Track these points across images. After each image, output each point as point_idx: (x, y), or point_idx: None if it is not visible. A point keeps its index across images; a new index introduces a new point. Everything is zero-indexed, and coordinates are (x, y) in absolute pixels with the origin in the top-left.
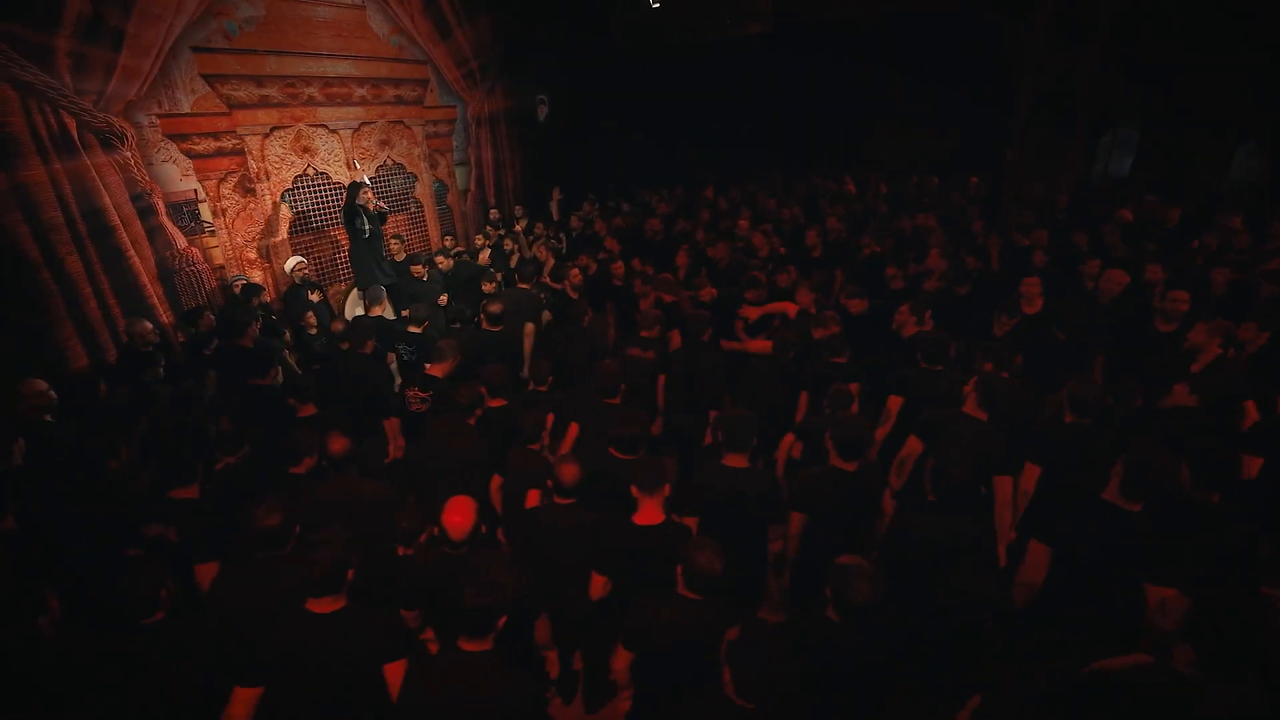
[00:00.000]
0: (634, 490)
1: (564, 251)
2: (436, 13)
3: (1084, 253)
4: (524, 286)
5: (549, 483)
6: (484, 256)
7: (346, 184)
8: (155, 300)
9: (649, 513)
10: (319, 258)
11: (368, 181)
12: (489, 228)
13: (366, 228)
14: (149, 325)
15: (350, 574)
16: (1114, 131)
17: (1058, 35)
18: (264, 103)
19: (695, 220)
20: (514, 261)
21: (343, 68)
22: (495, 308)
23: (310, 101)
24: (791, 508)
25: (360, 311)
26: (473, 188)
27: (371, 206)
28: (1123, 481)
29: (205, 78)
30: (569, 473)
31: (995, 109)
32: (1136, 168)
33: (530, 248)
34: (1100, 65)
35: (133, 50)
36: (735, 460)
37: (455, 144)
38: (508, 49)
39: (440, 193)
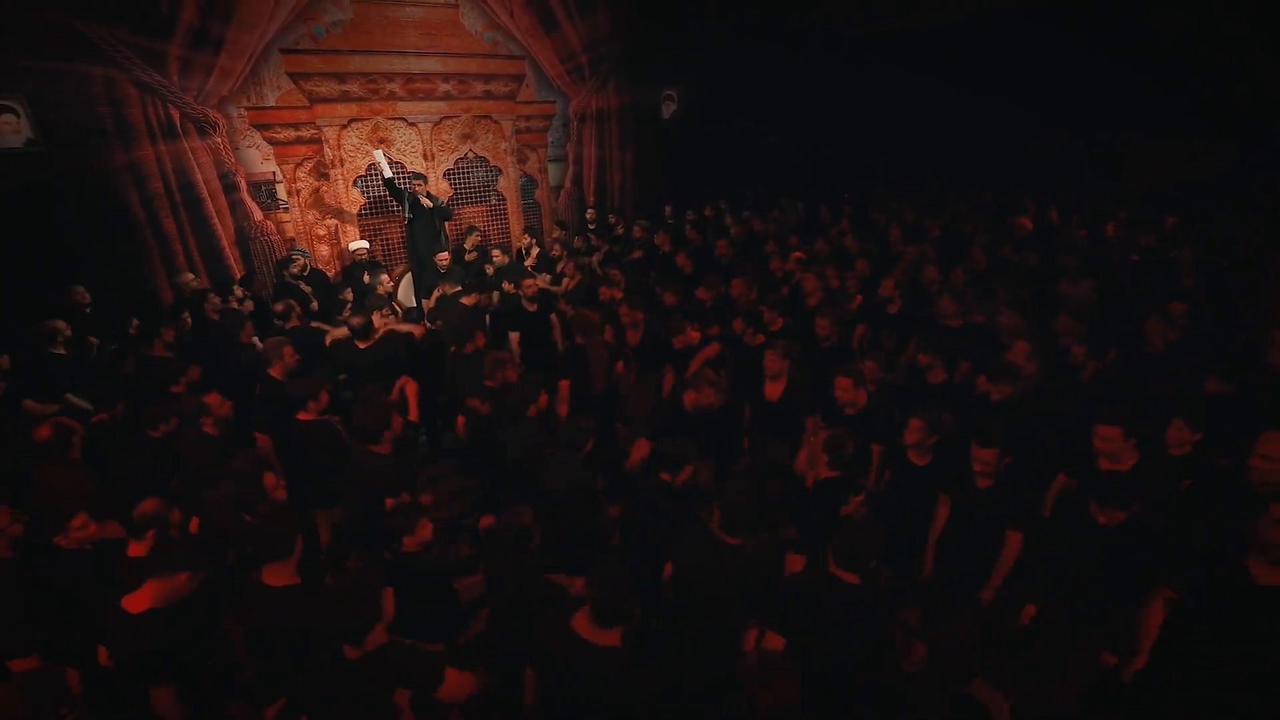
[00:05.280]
0: None
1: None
2: (541, 7)
3: None
4: (467, 302)
5: None
6: (532, 256)
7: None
8: (232, 261)
9: None
10: (386, 240)
11: (386, 171)
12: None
13: (407, 215)
14: (190, 275)
15: None
16: None
17: None
18: (344, 97)
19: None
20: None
21: (428, 64)
22: (356, 320)
23: (391, 96)
24: None
25: (404, 295)
26: (568, 185)
27: (423, 199)
28: None
29: (290, 75)
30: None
31: None
32: None
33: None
34: None
35: (230, 54)
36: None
37: (551, 139)
38: (632, 42)
39: (528, 188)
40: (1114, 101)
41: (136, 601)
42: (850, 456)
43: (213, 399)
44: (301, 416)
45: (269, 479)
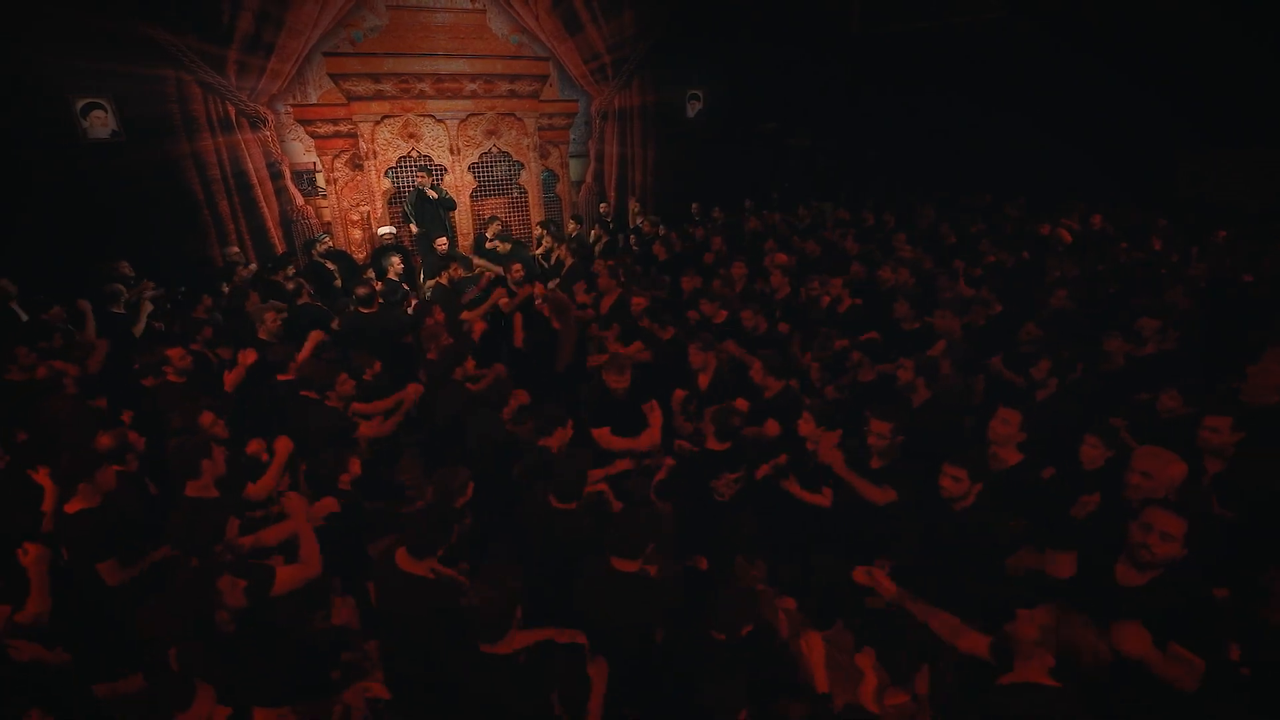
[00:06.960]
0: None
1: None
2: (567, 10)
3: None
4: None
5: None
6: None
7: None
8: (276, 240)
9: None
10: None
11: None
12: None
13: (414, 228)
14: (235, 249)
15: None
16: None
17: None
18: (378, 96)
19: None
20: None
21: (456, 65)
22: (362, 290)
23: (421, 95)
24: None
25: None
26: (589, 180)
27: (428, 190)
28: None
29: (331, 76)
30: None
31: None
32: None
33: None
34: None
35: (279, 57)
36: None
37: (573, 136)
38: (655, 43)
39: (549, 181)
40: (1134, 112)
41: (73, 505)
42: (738, 429)
43: (174, 352)
44: (280, 377)
45: (206, 417)
